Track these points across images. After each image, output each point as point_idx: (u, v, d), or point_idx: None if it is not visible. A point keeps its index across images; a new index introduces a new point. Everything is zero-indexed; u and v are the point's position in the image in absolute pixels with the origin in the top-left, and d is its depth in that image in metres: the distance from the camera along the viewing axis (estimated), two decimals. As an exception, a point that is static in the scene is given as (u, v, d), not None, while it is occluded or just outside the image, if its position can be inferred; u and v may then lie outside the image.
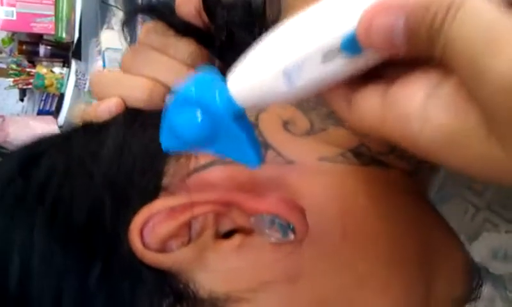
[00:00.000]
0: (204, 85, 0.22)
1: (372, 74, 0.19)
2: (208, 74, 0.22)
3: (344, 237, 0.26)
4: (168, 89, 0.30)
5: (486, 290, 0.41)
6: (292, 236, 0.24)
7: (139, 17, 0.36)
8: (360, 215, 0.26)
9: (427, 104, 0.17)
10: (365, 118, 0.19)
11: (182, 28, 0.31)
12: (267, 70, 0.19)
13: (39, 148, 0.28)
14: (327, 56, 0.18)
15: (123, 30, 0.33)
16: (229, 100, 0.21)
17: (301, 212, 0.25)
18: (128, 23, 0.34)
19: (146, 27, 0.32)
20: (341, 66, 0.19)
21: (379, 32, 0.17)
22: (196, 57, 0.31)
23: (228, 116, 0.21)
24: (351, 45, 0.18)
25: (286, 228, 0.24)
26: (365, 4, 0.17)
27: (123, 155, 0.27)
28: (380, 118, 0.19)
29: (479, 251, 0.41)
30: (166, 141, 0.23)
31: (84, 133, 0.29)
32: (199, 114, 0.22)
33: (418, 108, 0.17)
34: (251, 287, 0.24)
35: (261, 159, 0.23)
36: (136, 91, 0.30)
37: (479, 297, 0.33)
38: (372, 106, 0.19)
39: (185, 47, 0.31)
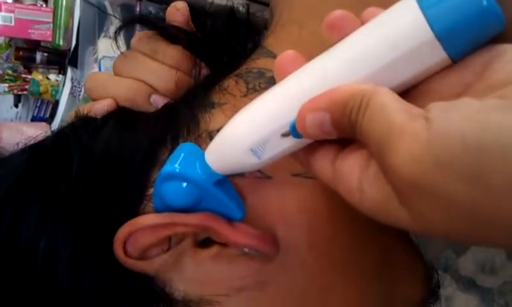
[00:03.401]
0: (185, 158, 0.25)
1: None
2: (189, 147, 0.26)
3: (311, 248, 0.27)
4: (153, 91, 0.32)
5: (475, 303, 0.41)
6: (263, 256, 0.27)
7: (138, 26, 0.38)
8: (326, 228, 0.28)
9: (362, 179, 0.21)
10: (320, 178, 0.23)
11: (171, 36, 0.33)
12: (237, 148, 0.23)
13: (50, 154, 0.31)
14: (284, 134, 0.23)
15: (115, 39, 0.35)
16: (209, 170, 0.24)
17: (273, 242, 0.27)
18: (121, 33, 0.36)
19: (138, 35, 0.34)
20: (295, 142, 0.23)
21: (312, 125, 0.21)
22: (182, 62, 0.33)
23: (210, 183, 0.25)
24: (296, 131, 0.22)
25: (258, 253, 0.27)
26: (307, 97, 0.21)
27: (113, 160, 0.28)
28: (332, 183, 0.22)
29: (467, 264, 0.41)
30: (158, 207, 0.26)
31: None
32: (184, 185, 0.25)
33: (356, 183, 0.21)
34: (223, 292, 0.26)
35: (243, 212, 0.27)
36: (123, 91, 0.32)
37: (438, 298, 0.34)
38: (324, 172, 0.23)
39: (172, 53, 0.33)
